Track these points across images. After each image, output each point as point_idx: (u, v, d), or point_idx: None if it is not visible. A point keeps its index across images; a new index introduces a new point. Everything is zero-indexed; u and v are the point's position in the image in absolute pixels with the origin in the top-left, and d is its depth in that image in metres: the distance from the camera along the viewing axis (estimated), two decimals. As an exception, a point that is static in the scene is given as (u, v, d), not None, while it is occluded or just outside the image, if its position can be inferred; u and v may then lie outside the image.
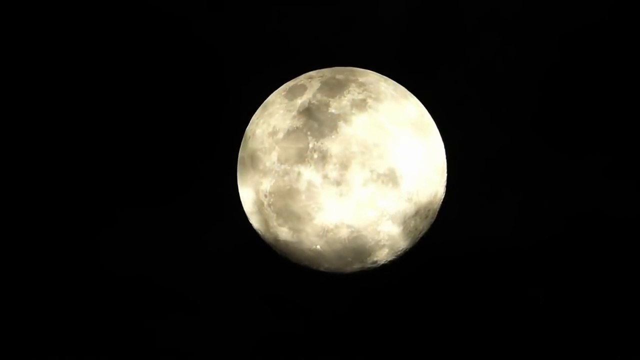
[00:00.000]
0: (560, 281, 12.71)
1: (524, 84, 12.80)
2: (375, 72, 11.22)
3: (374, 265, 11.08)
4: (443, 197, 11.38)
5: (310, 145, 10.23)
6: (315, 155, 10.18)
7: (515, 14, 12.71)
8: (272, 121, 10.70)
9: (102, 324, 12.61)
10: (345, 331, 12.64)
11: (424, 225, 11.13)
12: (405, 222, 10.63)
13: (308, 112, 10.42)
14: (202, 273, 12.73)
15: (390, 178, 10.26)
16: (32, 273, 12.65)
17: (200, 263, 12.73)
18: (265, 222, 10.84)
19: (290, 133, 10.40)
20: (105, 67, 12.60)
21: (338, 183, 10.14)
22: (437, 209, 11.31)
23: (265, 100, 11.28)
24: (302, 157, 10.23)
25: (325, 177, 10.16)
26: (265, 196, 10.59)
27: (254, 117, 11.31)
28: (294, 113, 10.52)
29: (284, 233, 10.70)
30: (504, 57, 12.80)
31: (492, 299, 12.70)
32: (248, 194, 10.98)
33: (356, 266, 10.98)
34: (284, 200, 10.40)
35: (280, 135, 10.48)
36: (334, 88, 10.65)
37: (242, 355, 12.60)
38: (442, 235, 12.05)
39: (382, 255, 10.91)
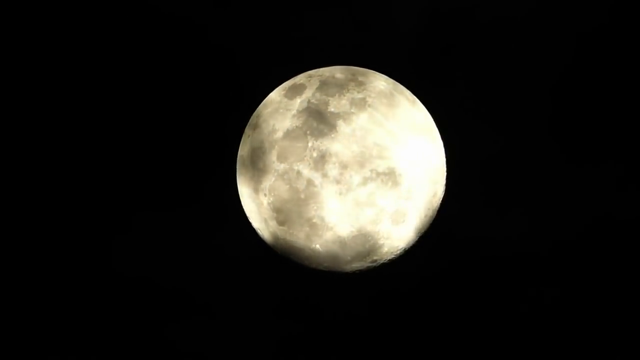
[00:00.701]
0: (568, 286, 12.69)
1: (533, 88, 12.79)
2: (375, 71, 11.23)
3: (374, 264, 11.09)
4: (442, 196, 11.39)
5: (310, 144, 10.23)
6: (315, 154, 10.19)
7: (527, 16, 12.69)
8: (271, 120, 10.71)
9: (116, 327, 12.62)
10: (359, 332, 12.64)
11: (423, 225, 11.13)
12: (405, 221, 10.63)
13: (307, 111, 10.43)
14: (215, 276, 12.72)
15: (390, 177, 10.26)
16: (47, 277, 12.67)
17: (212, 266, 12.72)
18: (265, 221, 10.85)
19: (290, 132, 10.40)
20: (117, 72, 12.63)
21: (337, 182, 10.14)
22: (437, 208, 11.31)
23: (265, 99, 11.29)
24: (301, 156, 10.24)
25: (324, 176, 10.16)
26: (265, 195, 10.59)
27: (253, 115, 11.32)
28: (294, 112, 10.53)
29: (283, 232, 10.70)
30: (514, 59, 12.78)
31: (496, 302, 12.70)
32: (247, 193, 10.99)
33: (355, 265, 10.99)
34: (283, 199, 10.40)
35: (280, 134, 10.49)
36: (333, 87, 10.65)
37: (256, 358, 12.62)
38: (442, 234, 12.09)
39: (382, 254, 10.91)
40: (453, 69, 12.88)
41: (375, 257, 10.90)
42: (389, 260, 11.17)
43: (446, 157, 11.38)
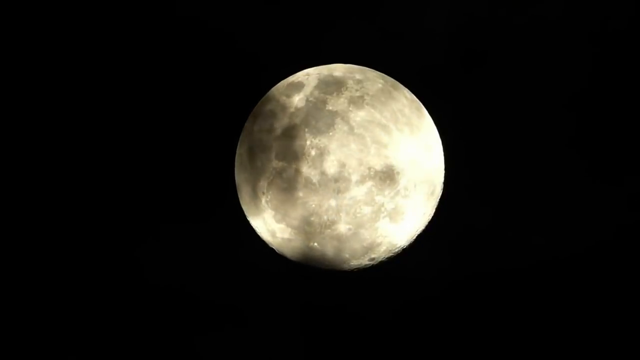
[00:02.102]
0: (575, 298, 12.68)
1: (547, 95, 12.77)
2: (373, 70, 11.22)
3: (372, 262, 11.08)
4: (440, 194, 11.38)
5: (308, 142, 10.23)
6: (313, 152, 10.18)
7: (546, 23, 12.65)
8: (269, 118, 10.70)
9: (145, 338, 12.62)
10: (388, 336, 12.65)
11: (421, 223, 11.13)
12: (403, 220, 10.63)
13: (306, 108, 10.43)
14: (239, 285, 12.71)
15: (388, 175, 10.26)
16: (76, 289, 12.68)
17: (236, 274, 12.71)
18: (263, 219, 10.84)
19: (288, 130, 10.40)
20: (118, 74, 12.63)
21: (335, 180, 10.14)
22: (435, 207, 11.31)
23: (263, 97, 11.28)
24: (299, 154, 10.23)
25: (322, 174, 10.15)
26: (263, 193, 10.58)
27: (251, 113, 11.31)
28: (292, 110, 10.52)
29: (281, 230, 10.69)
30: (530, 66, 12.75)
31: (504, 312, 12.71)
32: (245, 191, 10.98)
33: (353, 263, 10.98)
34: (281, 198, 10.40)
35: (278, 132, 10.48)
36: (332, 85, 10.65)
37: None
38: (441, 235, 12.10)
39: (380, 253, 10.90)
40: (464, 73, 12.85)
41: (373, 256, 10.89)
42: (388, 258, 11.18)
43: (445, 155, 11.40)
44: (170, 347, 12.62)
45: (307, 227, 10.43)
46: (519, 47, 12.69)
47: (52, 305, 12.62)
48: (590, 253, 12.62)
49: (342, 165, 10.13)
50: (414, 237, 11.25)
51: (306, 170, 10.20)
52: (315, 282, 12.23)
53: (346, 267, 11.05)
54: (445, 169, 11.42)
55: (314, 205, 10.25)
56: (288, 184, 10.30)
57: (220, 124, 12.40)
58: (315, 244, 10.58)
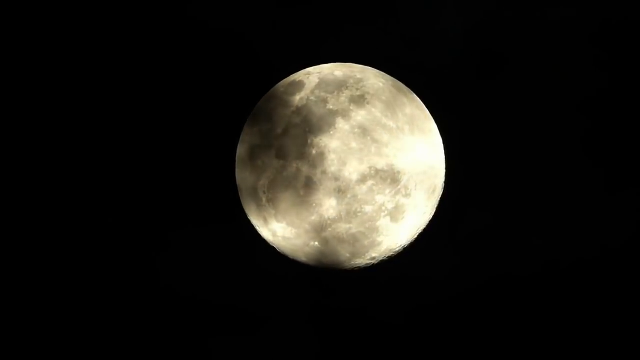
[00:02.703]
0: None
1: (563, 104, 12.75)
2: (373, 69, 11.23)
3: (372, 261, 11.09)
4: (441, 193, 11.39)
5: (309, 142, 10.23)
6: (314, 151, 10.18)
7: (567, 32, 12.63)
8: (270, 117, 10.70)
9: (161, 343, 12.61)
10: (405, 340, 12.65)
11: (422, 222, 11.14)
12: (403, 219, 10.63)
13: (307, 108, 10.43)
14: (240, 285, 12.70)
15: (389, 174, 10.26)
16: (93, 296, 12.67)
17: (238, 274, 12.70)
18: (264, 218, 10.84)
19: (289, 129, 10.40)
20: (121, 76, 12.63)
21: (336, 179, 10.14)
22: (436, 206, 11.32)
23: (264, 96, 11.28)
24: (300, 153, 10.23)
25: (323, 173, 10.16)
26: (264, 192, 10.58)
27: (252, 113, 11.31)
28: (293, 109, 10.52)
29: (282, 229, 10.69)
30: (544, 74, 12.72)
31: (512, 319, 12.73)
32: (246, 191, 10.98)
33: (354, 262, 10.98)
34: (282, 196, 10.39)
35: (279, 131, 10.48)
36: (332, 84, 10.65)
37: None
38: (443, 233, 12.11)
39: (381, 252, 10.91)
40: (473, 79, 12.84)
41: (374, 255, 10.90)
42: (388, 257, 11.18)
43: (447, 154, 11.41)
44: (184, 350, 12.61)
45: (307, 226, 10.43)
46: (528, 48, 12.69)
47: (68, 311, 12.63)
48: (599, 257, 12.62)
49: (343, 164, 10.13)
50: (415, 237, 11.25)
51: (307, 169, 10.20)
52: (324, 282, 12.26)
53: (347, 265, 11.06)
54: (446, 168, 11.43)
55: (314, 205, 10.25)
56: (289, 183, 10.30)
57: (221, 123, 12.40)
58: (316, 243, 10.58)
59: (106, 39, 12.55)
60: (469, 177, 12.51)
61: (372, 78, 10.92)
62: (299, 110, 10.47)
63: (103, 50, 12.56)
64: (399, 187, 10.37)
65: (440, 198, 11.37)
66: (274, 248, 11.29)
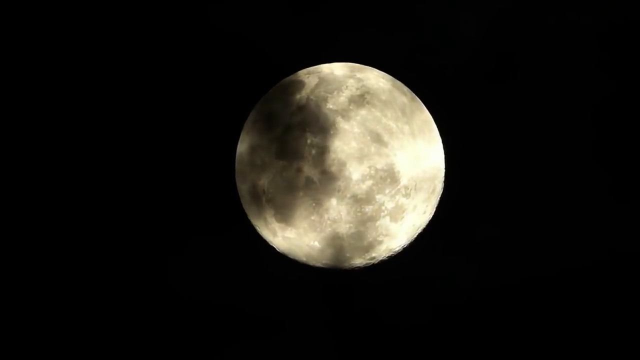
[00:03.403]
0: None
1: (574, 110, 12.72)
2: (373, 68, 11.23)
3: (372, 261, 11.08)
4: (441, 193, 11.38)
5: (309, 141, 10.23)
6: (314, 151, 10.18)
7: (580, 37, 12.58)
8: (270, 117, 10.71)
9: (175, 350, 12.63)
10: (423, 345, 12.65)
11: (422, 222, 11.13)
12: (403, 218, 10.62)
13: (306, 107, 10.43)
14: (242, 286, 12.69)
15: (389, 174, 10.26)
16: (109, 303, 12.69)
17: (242, 277, 12.69)
18: (264, 218, 10.83)
19: (289, 129, 10.40)
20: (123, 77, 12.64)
21: (336, 179, 10.13)
22: (435, 205, 11.31)
23: (264, 96, 11.28)
24: (300, 153, 10.23)
25: (323, 172, 10.15)
26: (264, 192, 10.58)
27: (251, 112, 11.31)
28: (293, 109, 10.52)
29: (282, 229, 10.69)
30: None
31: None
32: (246, 190, 10.98)
33: (354, 262, 10.97)
34: (282, 196, 10.39)
35: (279, 130, 10.48)
36: (332, 84, 10.65)
37: None
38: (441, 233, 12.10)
39: (381, 251, 10.90)
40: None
41: (374, 254, 10.89)
42: (388, 257, 11.17)
43: (447, 154, 11.40)
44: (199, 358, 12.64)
45: (307, 226, 10.42)
46: (538, 53, 12.67)
47: (81, 316, 12.65)
48: (608, 261, 12.58)
49: (343, 164, 10.13)
50: (415, 236, 11.24)
51: (307, 169, 10.19)
52: (324, 283, 12.27)
53: (347, 265, 11.05)
54: (446, 167, 11.42)
55: (314, 204, 10.24)
56: (289, 183, 10.29)
57: (220, 123, 12.40)
58: (316, 242, 10.57)
59: (105, 39, 12.58)
60: (470, 177, 12.51)
61: (372, 78, 10.92)
62: (298, 110, 10.47)
63: (102, 51, 12.59)
64: (399, 186, 10.36)
65: (444, 199, 11.38)
66: (274, 248, 11.29)
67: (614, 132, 12.60)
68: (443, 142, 11.39)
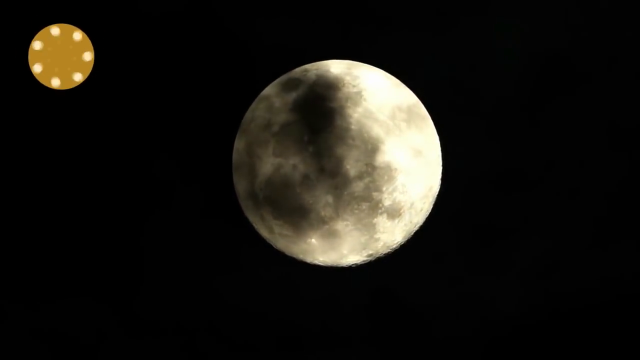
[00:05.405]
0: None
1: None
2: (370, 65, 11.23)
3: (369, 258, 11.09)
4: (438, 190, 11.38)
5: (305, 139, 10.22)
6: (311, 149, 10.18)
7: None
8: (267, 114, 10.71)
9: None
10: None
11: (419, 219, 11.13)
12: (400, 215, 10.62)
13: (303, 105, 10.44)
14: (243, 288, 12.71)
15: (386, 171, 10.25)
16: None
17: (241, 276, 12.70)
18: (260, 215, 10.84)
19: (286, 126, 10.40)
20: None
21: (333, 176, 10.13)
22: (432, 202, 11.31)
23: (261, 93, 11.29)
24: (297, 150, 10.22)
25: (320, 170, 10.15)
26: (260, 189, 10.59)
27: (249, 110, 11.32)
28: (290, 106, 10.53)
29: (278, 226, 10.69)
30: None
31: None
32: (242, 187, 10.98)
33: (351, 259, 10.98)
34: (278, 193, 10.39)
35: (276, 128, 10.48)
36: (330, 81, 10.65)
37: None
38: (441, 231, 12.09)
39: (377, 249, 10.90)
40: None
41: (371, 252, 10.90)
42: (385, 254, 11.18)
43: (443, 151, 11.40)
44: None
45: (304, 223, 10.42)
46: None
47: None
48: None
49: (340, 161, 10.12)
50: (412, 234, 11.25)
51: (303, 166, 10.19)
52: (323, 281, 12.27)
53: (344, 263, 11.06)
54: (443, 165, 11.43)
55: (311, 202, 10.24)
56: (285, 180, 10.29)
57: (216, 120, 12.43)
58: (313, 240, 10.57)
59: (105, 39, 12.59)
60: (464, 175, 12.51)
61: (369, 75, 10.93)
62: (295, 107, 10.47)
63: (101, 51, 12.59)
64: (396, 184, 10.36)
65: (437, 195, 11.38)
66: (271, 245, 11.30)
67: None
68: (441, 139, 11.40)
